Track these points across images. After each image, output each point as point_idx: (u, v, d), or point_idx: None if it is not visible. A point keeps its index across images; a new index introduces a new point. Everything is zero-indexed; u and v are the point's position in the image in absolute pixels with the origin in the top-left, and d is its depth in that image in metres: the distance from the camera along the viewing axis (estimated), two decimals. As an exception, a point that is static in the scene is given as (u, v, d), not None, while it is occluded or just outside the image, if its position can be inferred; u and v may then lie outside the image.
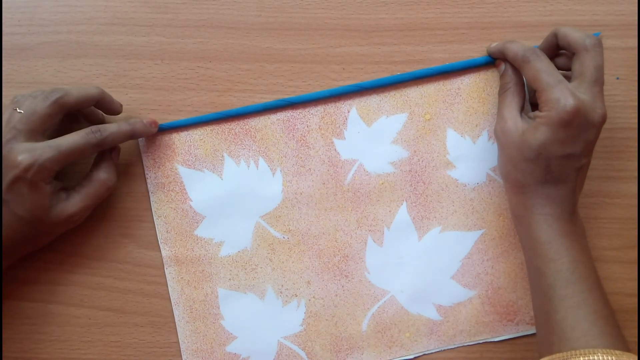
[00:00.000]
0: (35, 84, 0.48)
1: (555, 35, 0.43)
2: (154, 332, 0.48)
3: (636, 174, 0.47)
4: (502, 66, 0.45)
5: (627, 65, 0.47)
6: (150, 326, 0.48)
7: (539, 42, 0.47)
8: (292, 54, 0.48)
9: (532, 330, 0.47)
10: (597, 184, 0.47)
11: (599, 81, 0.40)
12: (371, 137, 0.48)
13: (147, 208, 0.48)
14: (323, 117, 0.48)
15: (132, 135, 0.45)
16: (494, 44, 0.46)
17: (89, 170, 0.45)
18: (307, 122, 0.48)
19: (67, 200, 0.43)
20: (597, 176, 0.47)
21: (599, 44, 0.41)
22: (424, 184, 0.48)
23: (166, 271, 0.48)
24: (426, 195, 0.48)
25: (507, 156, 0.42)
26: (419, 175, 0.48)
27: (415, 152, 0.48)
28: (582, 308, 0.39)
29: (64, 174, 0.47)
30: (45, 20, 0.49)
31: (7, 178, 0.40)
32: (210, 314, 0.48)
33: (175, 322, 0.48)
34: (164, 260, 0.48)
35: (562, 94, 0.39)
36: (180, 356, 0.47)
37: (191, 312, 0.48)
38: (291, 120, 0.48)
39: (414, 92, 0.48)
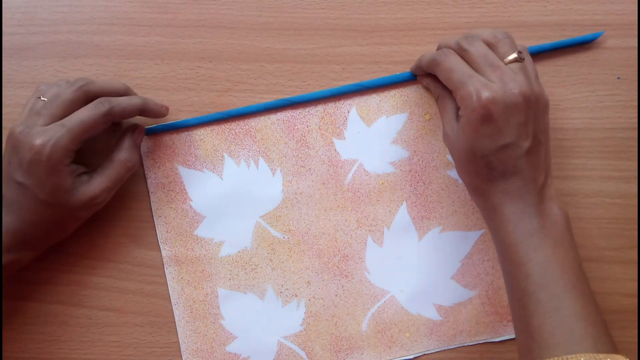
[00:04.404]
0: (35, 84, 0.48)
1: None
2: (154, 332, 0.48)
3: (636, 174, 0.47)
4: (424, 81, 0.46)
5: (627, 65, 0.47)
6: (150, 326, 0.48)
7: (539, 42, 0.47)
8: (292, 54, 0.48)
9: (532, 330, 0.47)
10: (597, 184, 0.47)
11: (493, 64, 0.39)
12: (371, 137, 0.48)
13: (147, 208, 0.48)
14: (323, 117, 0.48)
15: (143, 110, 0.44)
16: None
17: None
18: (307, 122, 0.48)
19: (89, 183, 0.43)
20: (597, 176, 0.47)
21: (442, 59, 0.41)
22: (424, 184, 0.48)
23: (166, 271, 0.48)
24: (426, 195, 0.48)
25: (455, 161, 0.42)
26: (419, 175, 0.48)
27: (415, 152, 0.48)
28: (559, 312, 0.37)
29: (88, 159, 0.46)
30: (45, 20, 0.49)
31: (24, 162, 0.40)
32: (210, 313, 0.48)
33: (175, 322, 0.48)
34: (164, 260, 0.48)
35: (473, 89, 0.38)
36: (180, 356, 0.47)
37: (191, 312, 0.48)
38: (291, 120, 0.48)
39: (414, 92, 0.48)
